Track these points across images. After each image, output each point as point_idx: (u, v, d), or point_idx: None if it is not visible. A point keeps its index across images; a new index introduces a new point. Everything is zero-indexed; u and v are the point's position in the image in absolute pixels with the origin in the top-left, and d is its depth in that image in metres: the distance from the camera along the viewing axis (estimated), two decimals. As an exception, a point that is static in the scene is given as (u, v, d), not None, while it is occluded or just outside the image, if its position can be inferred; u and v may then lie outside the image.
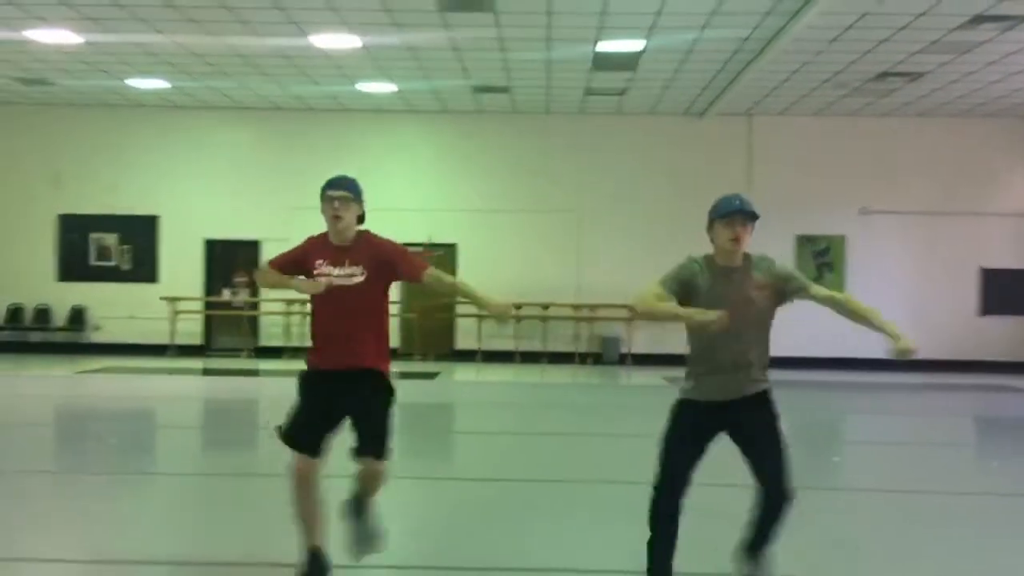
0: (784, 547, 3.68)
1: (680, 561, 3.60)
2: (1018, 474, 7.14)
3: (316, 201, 4.00)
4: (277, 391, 8.90)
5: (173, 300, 15.37)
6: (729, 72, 12.77)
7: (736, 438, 3.67)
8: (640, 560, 3.58)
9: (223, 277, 16.02)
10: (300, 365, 4.00)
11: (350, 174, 4.09)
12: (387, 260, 3.91)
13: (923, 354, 15.37)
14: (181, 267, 15.90)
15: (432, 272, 3.95)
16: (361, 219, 4.03)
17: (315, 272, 3.87)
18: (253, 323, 15.96)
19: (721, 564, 3.89)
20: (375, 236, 4.03)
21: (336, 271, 3.85)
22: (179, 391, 12.12)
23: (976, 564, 4.47)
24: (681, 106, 15.22)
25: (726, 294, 3.57)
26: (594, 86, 13.69)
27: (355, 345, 3.83)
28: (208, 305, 15.96)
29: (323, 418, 3.85)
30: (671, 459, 3.62)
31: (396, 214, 15.52)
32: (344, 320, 3.83)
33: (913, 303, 15.80)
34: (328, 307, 3.87)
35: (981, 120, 15.61)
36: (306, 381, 3.93)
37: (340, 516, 3.81)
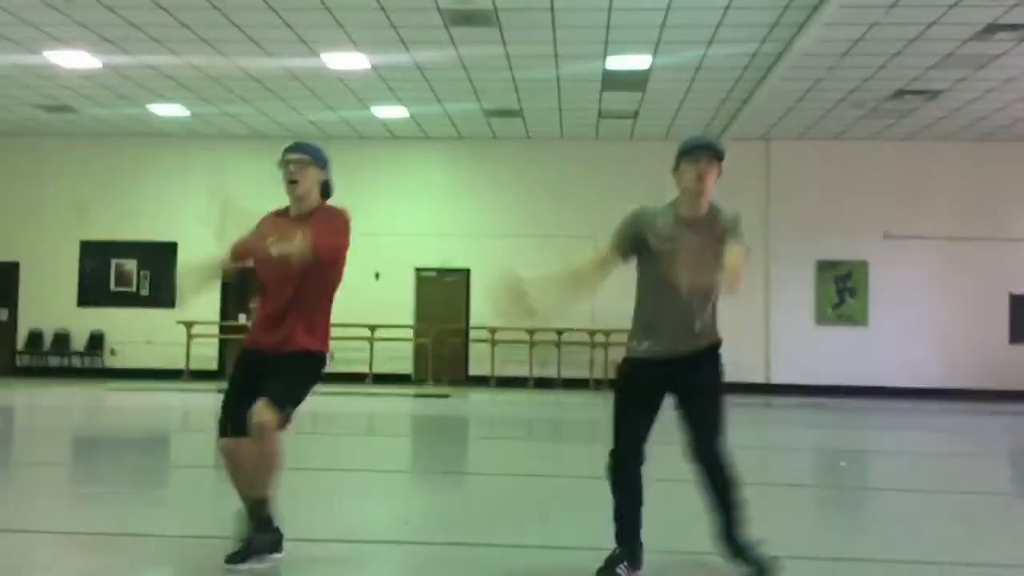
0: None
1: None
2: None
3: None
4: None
5: (189, 324, 15.45)
6: (741, 91, 12.69)
7: (679, 398, 3.46)
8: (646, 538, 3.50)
9: (239, 303, 16.09)
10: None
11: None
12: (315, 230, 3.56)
13: (953, 383, 14.88)
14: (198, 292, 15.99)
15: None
16: (326, 189, 3.75)
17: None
18: (268, 349, 15.96)
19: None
20: (335, 209, 3.70)
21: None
22: (193, 403, 12.13)
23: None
24: (695, 130, 15.10)
25: (684, 242, 3.38)
26: (606, 108, 13.68)
27: (290, 323, 3.57)
28: (223, 329, 16.02)
29: (248, 393, 3.57)
30: (626, 423, 3.44)
31: (411, 239, 15.61)
32: (283, 294, 3.57)
33: (941, 330, 15.38)
34: (271, 279, 3.62)
35: (1006, 145, 15.31)
36: (237, 360, 3.76)
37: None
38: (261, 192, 16.95)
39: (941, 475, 7.03)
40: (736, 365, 4.88)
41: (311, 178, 3.69)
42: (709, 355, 3.48)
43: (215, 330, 15.99)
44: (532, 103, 13.52)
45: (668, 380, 3.45)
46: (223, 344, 16.19)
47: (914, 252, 15.55)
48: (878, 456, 8.57)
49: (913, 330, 15.38)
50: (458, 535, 4.44)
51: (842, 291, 15.66)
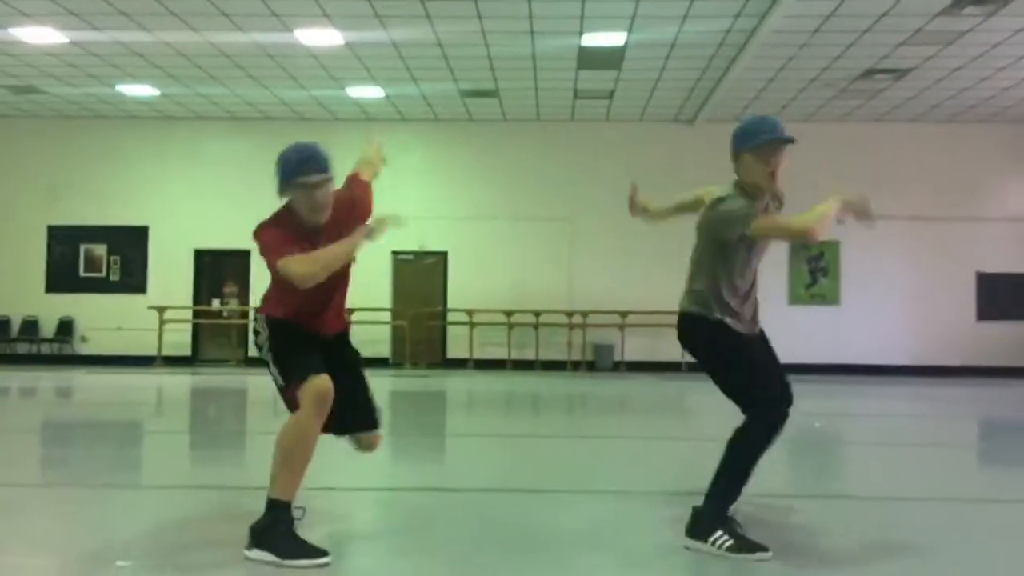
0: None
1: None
2: None
3: None
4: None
5: (161, 310, 15.25)
6: (714, 71, 12.78)
7: None
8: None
9: (212, 288, 15.95)
10: None
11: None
12: (358, 217, 3.54)
13: (923, 360, 15.11)
14: (170, 278, 15.84)
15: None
16: None
17: None
18: (242, 333, 15.81)
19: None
20: (337, 194, 3.48)
21: None
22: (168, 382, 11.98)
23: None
24: (670, 112, 15.23)
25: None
26: (582, 88, 13.71)
27: (340, 310, 3.69)
28: (196, 315, 15.84)
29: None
30: (769, 368, 3.47)
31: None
32: (332, 290, 3.56)
33: (910, 309, 15.62)
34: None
35: (974, 126, 15.58)
36: (296, 333, 3.44)
37: None
38: (233, 175, 16.75)
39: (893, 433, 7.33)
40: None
41: (332, 193, 3.41)
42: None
43: (188, 315, 15.81)
44: (508, 83, 13.51)
45: None
46: (196, 329, 16.01)
47: (885, 233, 15.69)
48: (848, 419, 8.88)
49: (884, 309, 15.62)
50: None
51: (814, 271, 15.85)
